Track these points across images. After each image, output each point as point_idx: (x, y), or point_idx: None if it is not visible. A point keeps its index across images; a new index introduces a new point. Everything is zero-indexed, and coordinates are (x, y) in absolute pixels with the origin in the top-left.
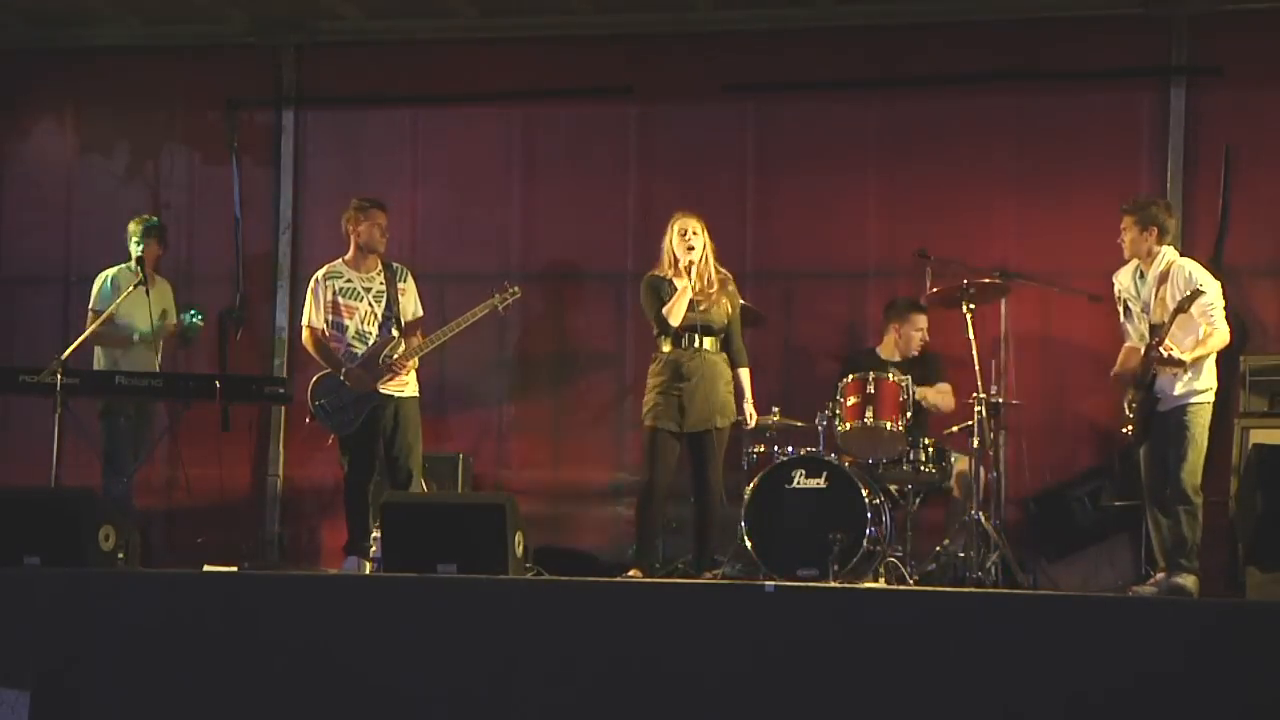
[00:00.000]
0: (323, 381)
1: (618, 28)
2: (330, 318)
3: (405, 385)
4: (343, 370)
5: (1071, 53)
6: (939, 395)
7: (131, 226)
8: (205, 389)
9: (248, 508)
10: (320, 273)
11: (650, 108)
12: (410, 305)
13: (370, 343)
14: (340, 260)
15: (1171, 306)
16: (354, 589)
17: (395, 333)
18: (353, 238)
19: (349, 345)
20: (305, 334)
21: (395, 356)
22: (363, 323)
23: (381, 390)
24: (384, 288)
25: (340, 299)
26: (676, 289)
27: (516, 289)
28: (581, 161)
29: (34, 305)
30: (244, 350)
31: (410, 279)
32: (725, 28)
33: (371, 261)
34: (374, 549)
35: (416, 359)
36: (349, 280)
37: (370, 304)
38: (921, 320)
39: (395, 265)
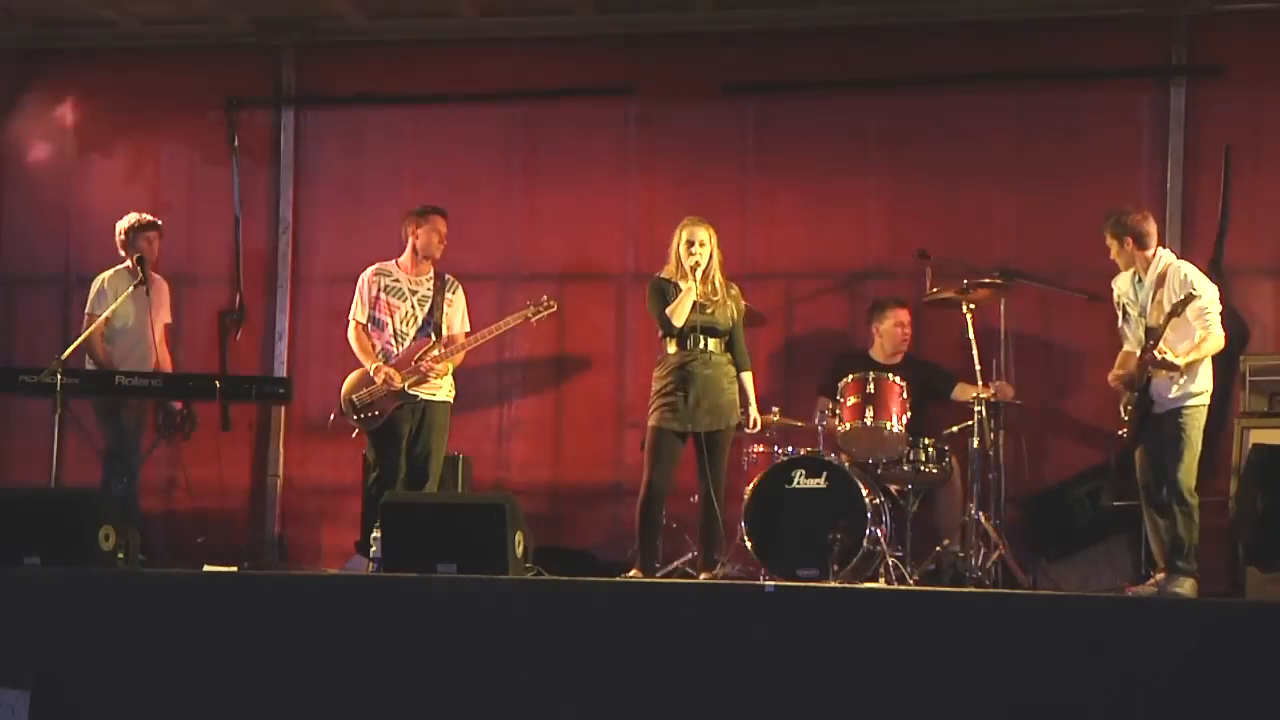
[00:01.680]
0: (358, 378)
1: (618, 28)
2: (372, 314)
3: (437, 390)
4: (373, 366)
5: (1071, 53)
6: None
7: (132, 226)
8: (205, 389)
9: (248, 508)
10: (370, 269)
11: (650, 108)
12: (456, 318)
13: (406, 344)
14: (394, 261)
15: (1167, 310)
16: (354, 589)
17: (432, 337)
18: (410, 240)
19: (386, 343)
20: (350, 327)
21: (426, 360)
22: (402, 323)
23: (409, 392)
24: (430, 294)
25: (384, 296)
26: (682, 291)
27: (553, 303)
28: (581, 161)
29: (34, 305)
30: (244, 350)
31: (460, 292)
32: (725, 28)
33: (425, 267)
34: (374, 549)
35: (449, 364)
36: (396, 280)
37: (413, 306)
38: (902, 314)
39: (448, 276)
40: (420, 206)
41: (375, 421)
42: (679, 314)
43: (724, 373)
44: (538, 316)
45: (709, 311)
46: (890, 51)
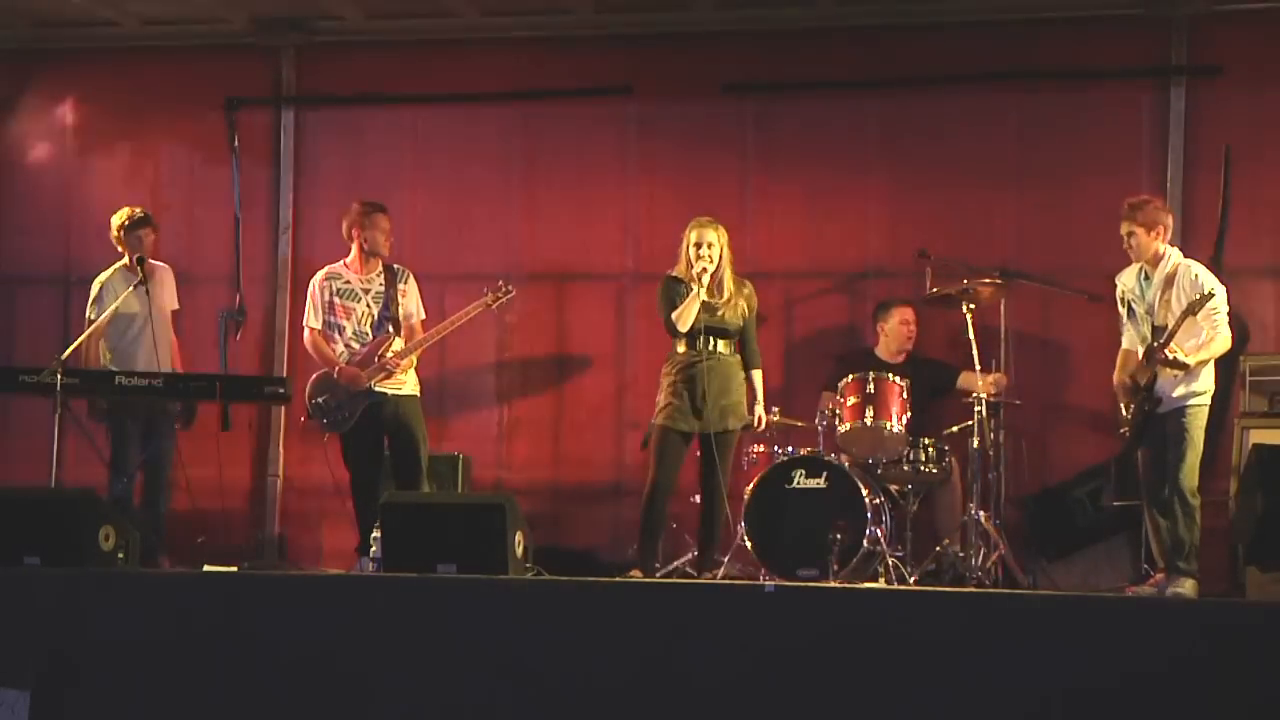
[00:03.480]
0: (319, 380)
1: (618, 28)
2: (328, 318)
3: (402, 384)
4: (335, 368)
5: (1071, 53)
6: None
7: (125, 222)
8: (205, 389)
9: (248, 508)
10: (320, 274)
11: (650, 108)
12: (412, 307)
13: (368, 343)
14: (341, 262)
15: (1177, 309)
16: (354, 589)
17: (391, 331)
18: (355, 241)
19: (346, 345)
20: (306, 335)
21: (389, 355)
22: (360, 323)
23: (376, 388)
24: (383, 288)
25: (338, 300)
26: (692, 292)
27: (511, 289)
28: (581, 161)
29: (34, 305)
30: (244, 350)
31: (412, 281)
32: (725, 28)
33: (373, 264)
34: (374, 549)
35: (412, 357)
36: (348, 281)
37: (368, 305)
38: (907, 313)
39: (397, 267)
40: (360, 205)
41: (346, 423)
42: (684, 320)
43: (732, 374)
44: (498, 303)
45: (719, 314)
46: (890, 51)
